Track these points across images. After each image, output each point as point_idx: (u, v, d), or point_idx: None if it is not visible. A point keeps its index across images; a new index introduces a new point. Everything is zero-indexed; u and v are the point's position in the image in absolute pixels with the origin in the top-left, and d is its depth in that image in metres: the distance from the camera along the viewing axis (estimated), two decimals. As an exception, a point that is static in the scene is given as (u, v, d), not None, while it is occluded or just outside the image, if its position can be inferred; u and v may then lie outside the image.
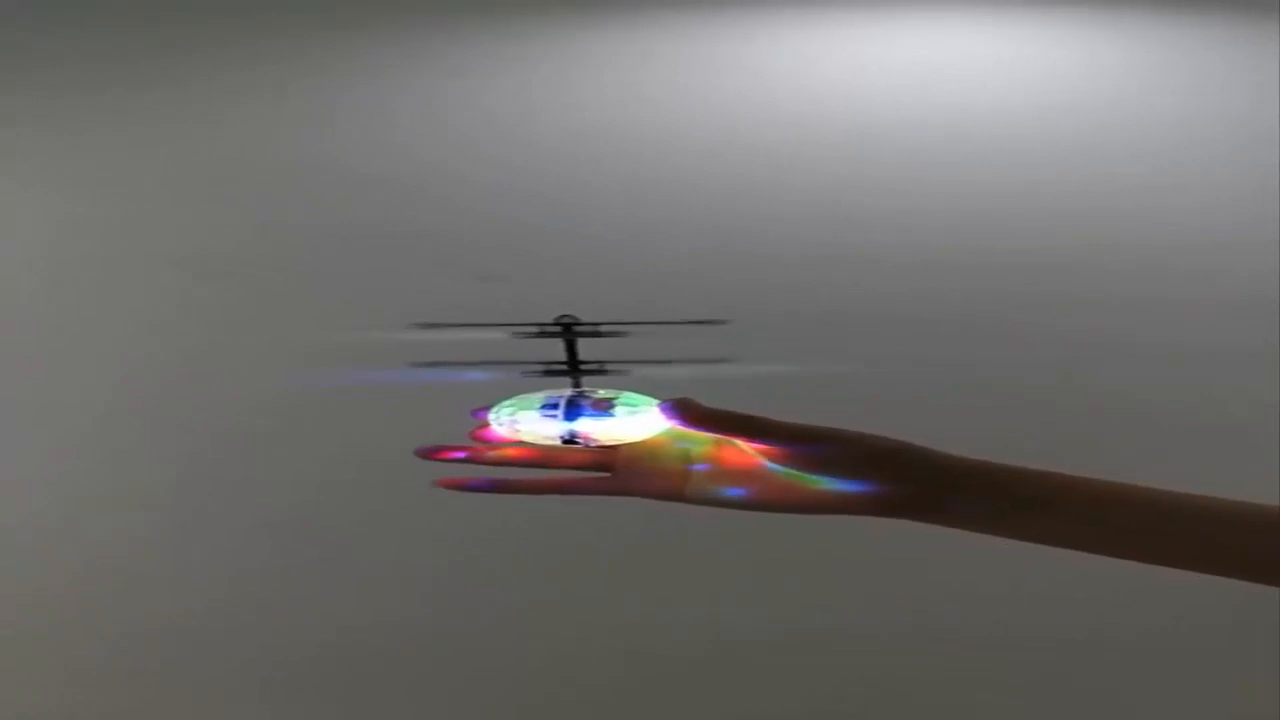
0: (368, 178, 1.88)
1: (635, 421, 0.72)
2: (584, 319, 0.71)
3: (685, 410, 0.72)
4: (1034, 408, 1.81)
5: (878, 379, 1.73)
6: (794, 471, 0.71)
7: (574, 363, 0.72)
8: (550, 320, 0.69)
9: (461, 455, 0.75)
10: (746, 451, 0.72)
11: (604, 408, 0.72)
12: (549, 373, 0.72)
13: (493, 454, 0.75)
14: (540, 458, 0.75)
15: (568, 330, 0.70)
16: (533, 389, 0.74)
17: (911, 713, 1.84)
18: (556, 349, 0.73)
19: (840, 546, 1.68)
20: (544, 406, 0.72)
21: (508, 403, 0.73)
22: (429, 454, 0.74)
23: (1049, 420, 1.79)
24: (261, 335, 1.84)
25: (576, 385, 0.74)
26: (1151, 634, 1.78)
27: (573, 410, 0.72)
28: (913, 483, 0.71)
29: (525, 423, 0.72)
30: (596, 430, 0.72)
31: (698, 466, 0.73)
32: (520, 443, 0.73)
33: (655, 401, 0.73)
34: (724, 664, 1.85)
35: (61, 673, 1.86)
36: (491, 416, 0.73)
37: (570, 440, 0.71)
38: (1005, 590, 1.75)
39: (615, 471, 0.74)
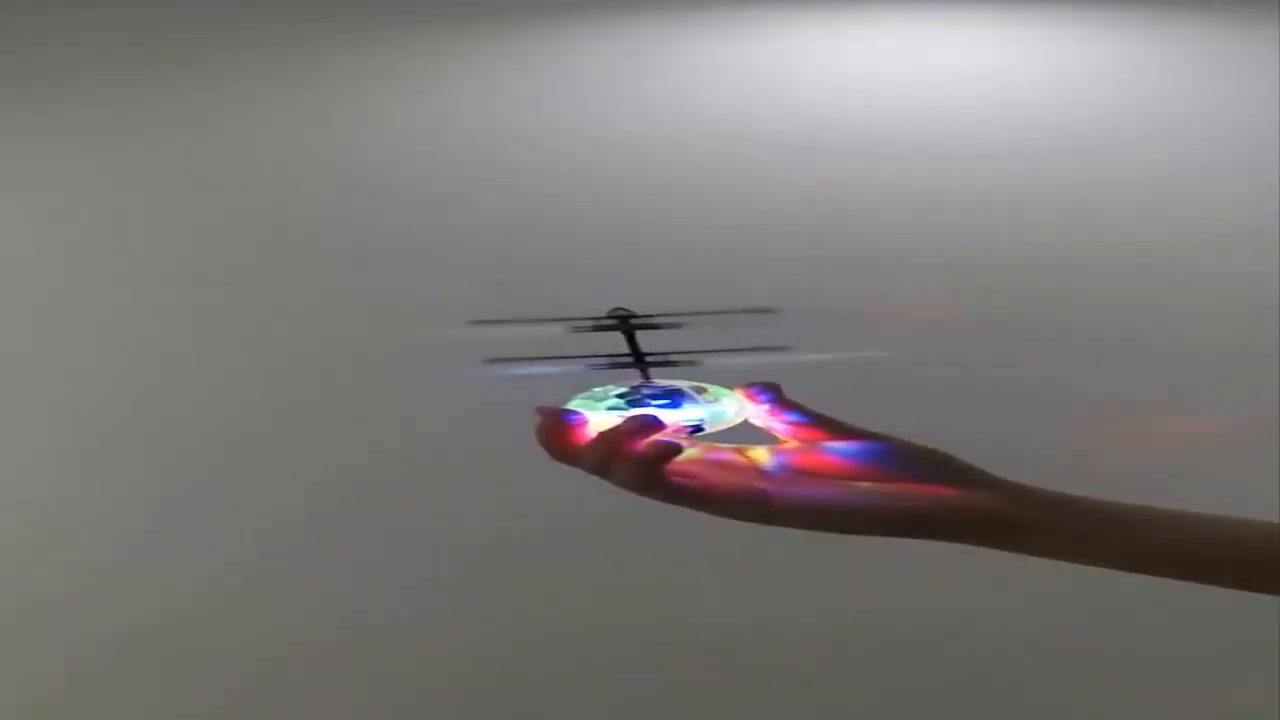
0: (372, 182, 1.88)
1: (733, 407, 0.70)
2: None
3: (776, 393, 0.70)
4: (1051, 401, 1.82)
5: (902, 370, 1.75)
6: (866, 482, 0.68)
7: (639, 355, 0.69)
8: (604, 314, 0.67)
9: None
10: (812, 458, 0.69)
11: (704, 396, 0.70)
12: (615, 365, 0.69)
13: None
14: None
15: (624, 323, 0.67)
16: (588, 384, 0.71)
17: (910, 716, 1.83)
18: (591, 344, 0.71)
19: (836, 548, 1.66)
20: (651, 399, 0.69)
21: (603, 398, 0.70)
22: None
23: (1067, 416, 1.80)
24: (275, 336, 1.84)
25: (646, 377, 0.71)
26: (1151, 636, 1.77)
27: (677, 399, 0.69)
28: (965, 490, 0.68)
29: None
30: (713, 419, 0.69)
31: (777, 471, 0.68)
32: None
33: (730, 390, 0.71)
34: (718, 664, 1.83)
35: (49, 671, 1.82)
36: (588, 414, 0.68)
37: (697, 429, 0.68)
38: (1005, 591, 1.75)
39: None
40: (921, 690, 1.81)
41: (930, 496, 0.68)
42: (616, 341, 0.70)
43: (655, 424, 0.66)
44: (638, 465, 0.65)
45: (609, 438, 0.66)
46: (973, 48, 1.93)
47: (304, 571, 1.85)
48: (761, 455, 0.69)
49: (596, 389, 0.71)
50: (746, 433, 0.71)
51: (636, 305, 0.71)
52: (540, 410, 0.68)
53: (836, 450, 0.69)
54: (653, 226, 1.86)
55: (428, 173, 1.88)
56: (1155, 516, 0.70)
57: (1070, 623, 1.79)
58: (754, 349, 0.70)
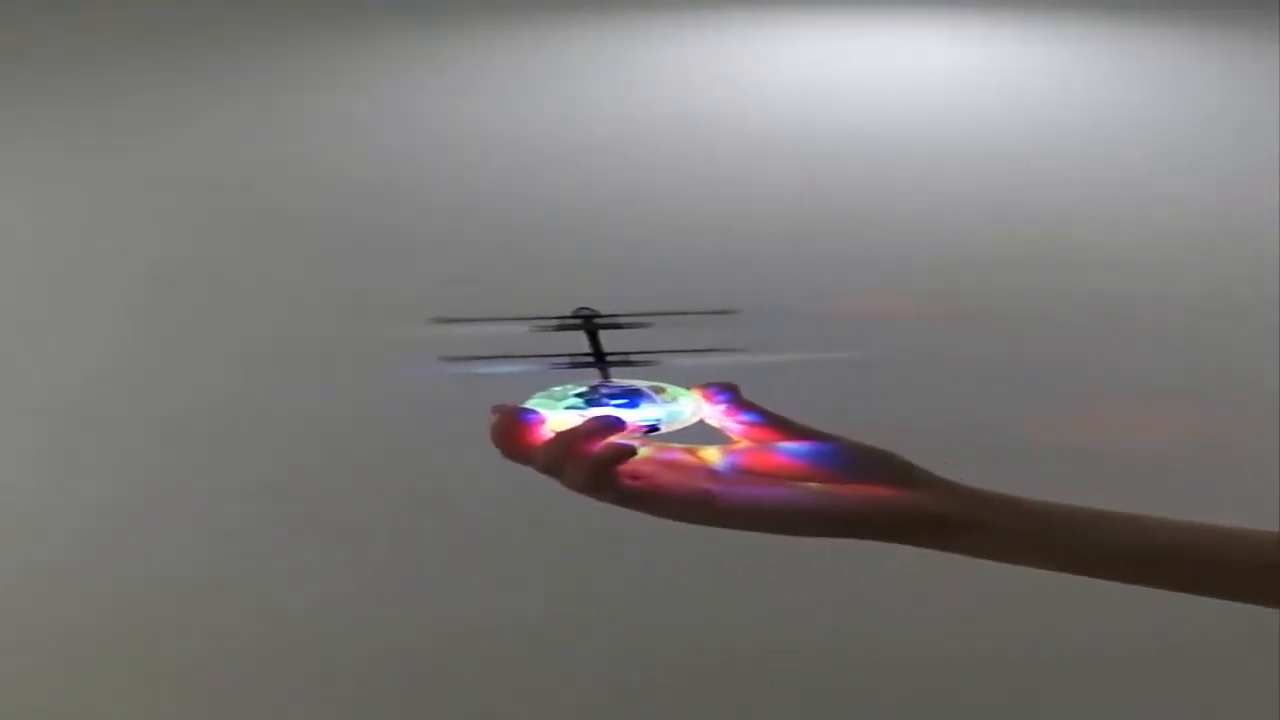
0: (347, 182, 1.86)
1: (690, 407, 0.70)
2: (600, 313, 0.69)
3: (733, 394, 0.71)
4: (1028, 400, 1.83)
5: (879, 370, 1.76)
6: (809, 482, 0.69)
7: (600, 354, 0.70)
8: (569, 313, 0.67)
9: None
10: (761, 458, 0.70)
11: (661, 395, 0.70)
12: (575, 365, 0.69)
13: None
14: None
15: (588, 322, 0.68)
16: (545, 384, 0.71)
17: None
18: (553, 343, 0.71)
19: (829, 559, 1.68)
20: (610, 399, 0.69)
21: (562, 398, 0.69)
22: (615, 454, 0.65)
23: (1047, 413, 1.82)
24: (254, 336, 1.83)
25: (606, 377, 0.71)
26: (1151, 643, 1.79)
27: (635, 399, 0.69)
28: (909, 491, 0.69)
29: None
30: (670, 418, 0.70)
31: (725, 471, 0.69)
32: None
33: (688, 390, 0.71)
34: (707, 673, 1.84)
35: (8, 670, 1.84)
36: (546, 413, 0.68)
37: (652, 429, 0.69)
38: (999, 599, 1.76)
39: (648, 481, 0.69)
40: (919, 695, 1.83)
41: (871, 497, 0.68)
42: (579, 341, 0.71)
43: (617, 424, 0.66)
44: (591, 467, 0.65)
45: (567, 438, 0.66)
46: (978, 51, 1.92)
47: (273, 565, 1.84)
48: (712, 455, 0.70)
49: (556, 388, 0.71)
50: (700, 432, 0.72)
51: (607, 306, 0.71)
52: (497, 409, 0.68)
53: (784, 450, 0.69)
54: (623, 227, 1.85)
55: (394, 171, 1.86)
56: (1104, 518, 0.70)
57: (1069, 626, 1.80)
58: (713, 350, 0.71)
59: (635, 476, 0.67)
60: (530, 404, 0.69)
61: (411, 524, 1.83)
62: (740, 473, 0.69)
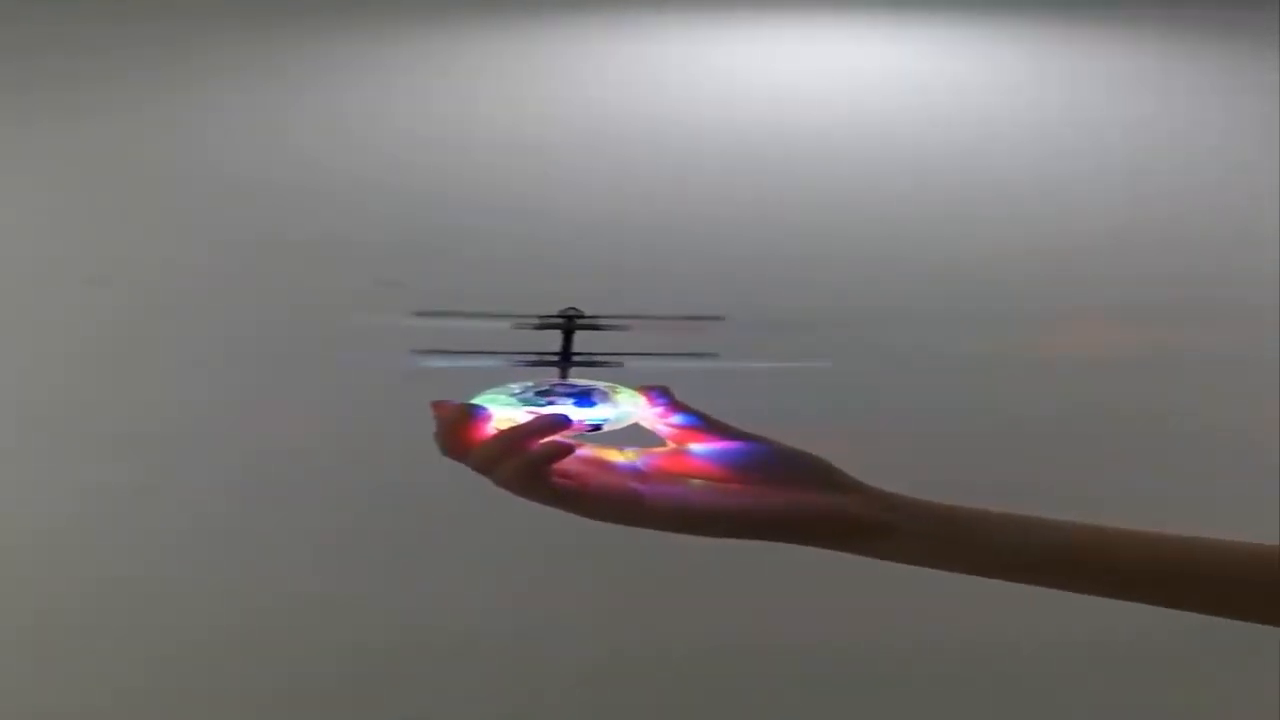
0: (321, 184, 1.86)
1: (635, 409, 0.70)
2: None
3: (670, 397, 0.71)
4: (1028, 400, 1.83)
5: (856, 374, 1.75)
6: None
7: (567, 354, 0.70)
8: (554, 312, 0.67)
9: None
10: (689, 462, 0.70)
11: (614, 395, 0.70)
12: (539, 363, 0.69)
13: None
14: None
15: (569, 322, 0.68)
16: (498, 381, 0.71)
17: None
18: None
19: (828, 558, 1.66)
20: (565, 397, 0.68)
21: (518, 394, 0.69)
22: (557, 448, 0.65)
23: (1046, 413, 1.82)
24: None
25: (564, 376, 0.71)
26: (1152, 641, 1.78)
27: (584, 399, 0.69)
28: (837, 496, 0.69)
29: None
30: (619, 419, 0.70)
31: (645, 471, 0.69)
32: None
33: (633, 390, 0.71)
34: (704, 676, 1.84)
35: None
36: (495, 410, 0.67)
37: (596, 428, 0.68)
38: (996, 599, 1.75)
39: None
40: (919, 694, 1.83)
41: (792, 500, 0.68)
42: (549, 339, 0.70)
43: (564, 423, 0.66)
44: (525, 465, 0.64)
45: (508, 435, 0.65)
46: (973, 54, 1.92)
47: (262, 565, 1.84)
48: (631, 456, 0.70)
49: (513, 385, 0.71)
50: (624, 432, 0.71)
51: (547, 305, 0.71)
52: (440, 406, 0.67)
53: (702, 453, 0.69)
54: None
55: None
56: (1021, 522, 0.70)
57: (1066, 625, 1.79)
58: (680, 354, 0.71)
59: (565, 476, 0.66)
60: (480, 400, 0.68)
61: (408, 523, 1.83)
62: (659, 473, 0.69)
